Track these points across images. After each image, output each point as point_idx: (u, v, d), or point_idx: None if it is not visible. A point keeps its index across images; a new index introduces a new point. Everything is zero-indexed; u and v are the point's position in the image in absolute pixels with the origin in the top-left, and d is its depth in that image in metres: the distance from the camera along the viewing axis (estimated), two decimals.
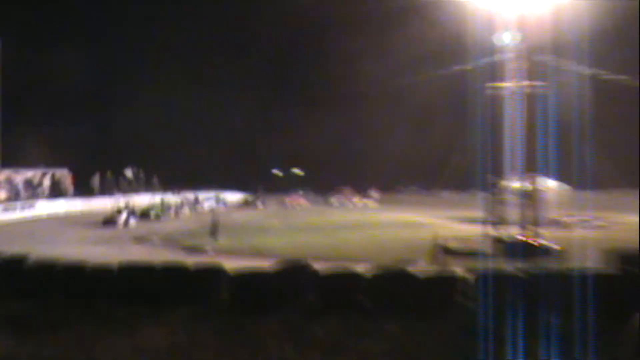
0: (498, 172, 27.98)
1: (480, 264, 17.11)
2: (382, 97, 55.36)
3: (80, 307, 15.79)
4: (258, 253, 24.72)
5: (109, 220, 37.70)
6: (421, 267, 19.35)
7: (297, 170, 73.48)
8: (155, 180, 58.06)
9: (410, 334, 13.33)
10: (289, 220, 39.32)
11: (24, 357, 12.48)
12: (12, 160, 46.09)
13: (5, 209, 42.26)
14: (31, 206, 44.85)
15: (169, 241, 30.12)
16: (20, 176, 47.96)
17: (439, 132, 49.82)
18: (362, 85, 54.79)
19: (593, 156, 24.62)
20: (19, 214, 42.67)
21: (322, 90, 59.61)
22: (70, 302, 16.05)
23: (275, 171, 74.60)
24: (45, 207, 44.47)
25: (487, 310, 13.35)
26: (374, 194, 56.73)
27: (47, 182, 49.32)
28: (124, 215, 38.29)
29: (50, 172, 50.73)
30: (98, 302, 15.94)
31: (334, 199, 55.78)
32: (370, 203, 51.22)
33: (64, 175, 51.66)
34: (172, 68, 62.31)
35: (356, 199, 53.51)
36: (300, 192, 60.54)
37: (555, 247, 21.32)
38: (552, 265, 17.80)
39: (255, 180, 65.72)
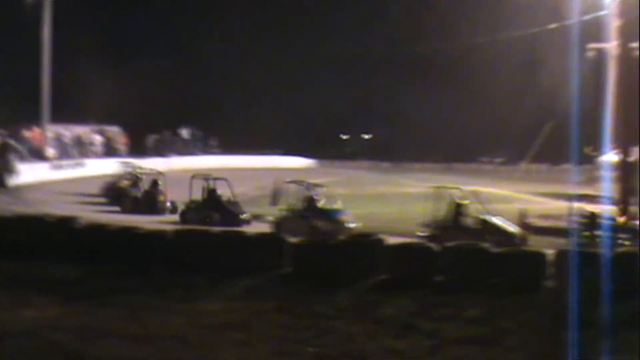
0: (595, 143, 27.45)
1: (570, 244, 16.91)
2: (466, 58, 54.56)
3: (133, 274, 16.19)
4: None
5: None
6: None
7: (367, 136, 73.30)
8: (213, 141, 58.66)
9: (493, 318, 13.30)
10: (357, 189, 39.39)
11: (72, 326, 12.80)
12: (63, 116, 47.06)
13: (54, 167, 43.28)
14: (81, 165, 45.85)
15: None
16: (70, 133, 48.96)
17: (530, 97, 49.00)
18: (446, 44, 54.17)
19: None
20: (68, 172, 43.65)
21: (401, 49, 59.14)
22: (122, 269, 16.47)
23: (343, 136, 74.55)
24: (96, 166, 45.39)
25: (577, 295, 13.21)
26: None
27: (98, 139, 50.29)
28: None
29: (101, 129, 51.67)
30: (151, 270, 16.32)
31: None
32: None
33: (116, 133, 52.55)
34: (241, 20, 62.56)
35: None
36: None
37: None
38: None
39: (322, 145, 65.93)
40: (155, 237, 17.78)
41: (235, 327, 12.82)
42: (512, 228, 20.94)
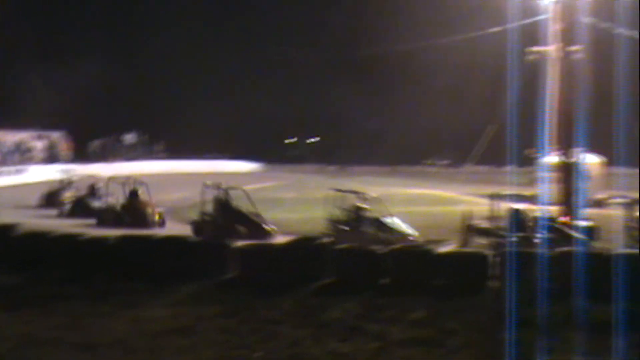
0: (535, 145, 27.83)
1: (512, 245, 17.11)
2: (409, 62, 55.04)
3: (75, 281, 15.96)
4: None
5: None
6: (450, 247, 19.43)
7: (313, 139, 73.48)
8: (158, 146, 58.28)
9: (438, 319, 13.39)
10: (303, 192, 39.43)
11: (13, 334, 12.56)
12: (6, 122, 46.36)
13: None
14: (22, 171, 45.18)
15: (172, 213, 30.14)
16: (11, 138, 48.24)
17: (472, 101, 49.57)
18: (387, 48, 54.56)
19: (632, 129, 24.42)
20: (7, 179, 42.95)
21: (345, 53, 59.47)
22: (64, 276, 16.22)
23: (290, 140, 74.62)
24: (38, 173, 44.74)
25: (519, 295, 13.39)
26: None
27: (39, 145, 49.58)
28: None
29: (44, 134, 50.98)
30: (94, 277, 16.10)
31: None
32: None
33: (59, 138, 51.90)
34: (187, 24, 62.26)
35: None
36: None
37: (593, 227, 21.23)
38: (589, 246, 17.82)
39: (267, 149, 65.90)
40: (98, 243, 17.54)
41: (179, 332, 12.72)
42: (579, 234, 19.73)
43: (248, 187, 39.87)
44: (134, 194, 26.90)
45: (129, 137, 57.01)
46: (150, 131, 58.18)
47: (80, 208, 28.00)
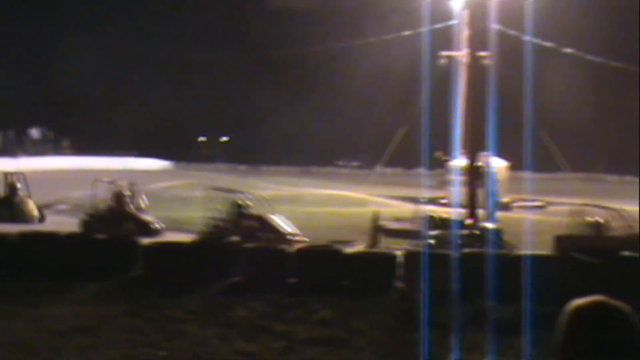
0: (444, 148, 28.40)
1: (420, 246, 17.48)
2: (322, 63, 55.42)
3: None
4: (179, 226, 24.70)
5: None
6: (358, 247, 19.70)
7: (224, 138, 73.21)
8: (65, 142, 57.22)
9: (344, 319, 13.58)
10: (216, 192, 39.26)
11: None
12: None
13: None
14: None
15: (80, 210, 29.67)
16: None
17: (384, 103, 50.23)
18: (301, 49, 54.85)
19: (538, 135, 25.19)
20: None
21: (258, 53, 59.44)
22: None
23: (201, 138, 74.17)
24: None
25: (425, 295, 13.66)
26: None
27: None
28: None
29: None
30: None
31: None
32: None
33: None
34: (98, 18, 61.38)
35: None
36: None
37: (498, 229, 21.82)
38: (493, 248, 18.32)
39: (178, 147, 65.41)
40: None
41: (83, 331, 12.59)
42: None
43: (157, 185, 39.64)
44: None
45: (34, 133, 55.71)
46: (57, 127, 57.05)
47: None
